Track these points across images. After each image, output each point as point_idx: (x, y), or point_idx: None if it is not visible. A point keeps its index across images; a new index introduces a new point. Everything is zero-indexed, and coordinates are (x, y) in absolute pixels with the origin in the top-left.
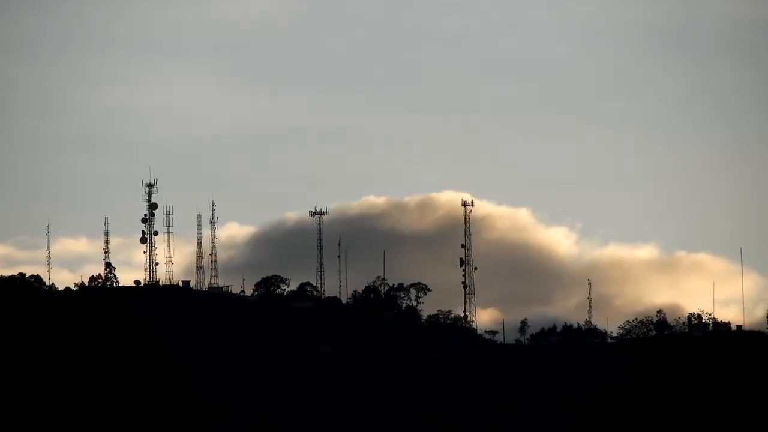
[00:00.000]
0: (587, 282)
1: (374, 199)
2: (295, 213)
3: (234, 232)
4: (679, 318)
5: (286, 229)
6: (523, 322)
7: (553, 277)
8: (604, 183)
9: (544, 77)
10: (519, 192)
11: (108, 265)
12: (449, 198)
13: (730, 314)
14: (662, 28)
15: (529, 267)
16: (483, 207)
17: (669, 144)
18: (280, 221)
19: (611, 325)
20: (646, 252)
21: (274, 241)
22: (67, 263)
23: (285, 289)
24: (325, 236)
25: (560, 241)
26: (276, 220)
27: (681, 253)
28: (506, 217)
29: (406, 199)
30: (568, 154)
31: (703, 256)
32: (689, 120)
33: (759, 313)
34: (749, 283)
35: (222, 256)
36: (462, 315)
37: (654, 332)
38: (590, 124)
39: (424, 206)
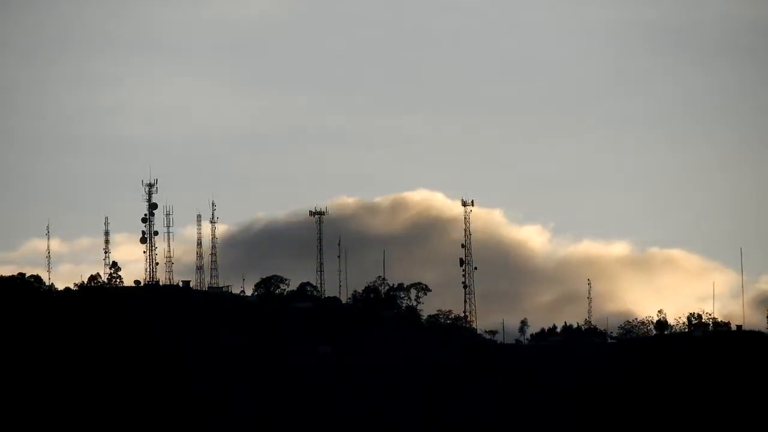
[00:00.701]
0: (587, 282)
1: (346, 199)
2: (265, 213)
3: (207, 231)
4: (678, 319)
5: (255, 231)
6: (523, 322)
7: (528, 274)
8: (594, 183)
9: (544, 77)
10: (517, 192)
11: (114, 264)
12: (423, 197)
13: (708, 310)
14: (662, 28)
15: (501, 265)
16: (457, 207)
17: (668, 144)
18: (252, 221)
19: (610, 325)
20: (619, 248)
21: (241, 243)
22: (41, 263)
23: (285, 289)
24: (299, 235)
25: (533, 238)
26: (248, 221)
27: (654, 250)
28: (480, 216)
29: (377, 199)
30: (565, 155)
31: (676, 253)
32: (689, 120)
33: (736, 309)
34: (726, 280)
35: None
36: (462, 315)
37: (654, 332)
38: (589, 124)
39: (397, 206)
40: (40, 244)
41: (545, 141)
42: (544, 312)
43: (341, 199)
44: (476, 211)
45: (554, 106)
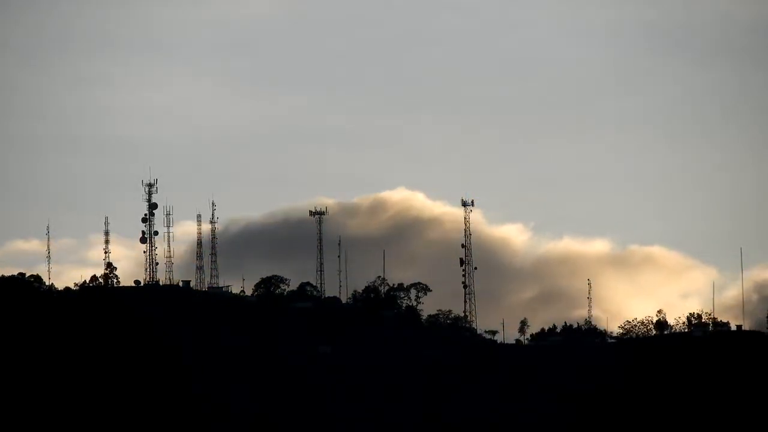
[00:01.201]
0: (587, 282)
1: (325, 200)
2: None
3: (189, 229)
4: (678, 319)
5: (234, 232)
6: (523, 322)
7: (507, 274)
8: (578, 182)
9: (543, 77)
10: (519, 195)
11: (109, 264)
12: (402, 197)
13: (695, 306)
14: (662, 28)
15: (483, 264)
16: (437, 207)
17: (665, 144)
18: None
19: (610, 324)
20: (599, 245)
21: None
22: (24, 263)
23: (285, 289)
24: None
25: (514, 237)
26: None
27: (634, 247)
28: (458, 218)
29: (356, 200)
30: (554, 155)
31: (656, 250)
32: (686, 120)
33: (722, 305)
34: (708, 276)
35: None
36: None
37: (654, 332)
38: (583, 124)
39: (376, 207)
40: (24, 245)
41: (538, 141)
42: (526, 309)
43: (321, 199)
44: (457, 212)
45: (550, 106)
